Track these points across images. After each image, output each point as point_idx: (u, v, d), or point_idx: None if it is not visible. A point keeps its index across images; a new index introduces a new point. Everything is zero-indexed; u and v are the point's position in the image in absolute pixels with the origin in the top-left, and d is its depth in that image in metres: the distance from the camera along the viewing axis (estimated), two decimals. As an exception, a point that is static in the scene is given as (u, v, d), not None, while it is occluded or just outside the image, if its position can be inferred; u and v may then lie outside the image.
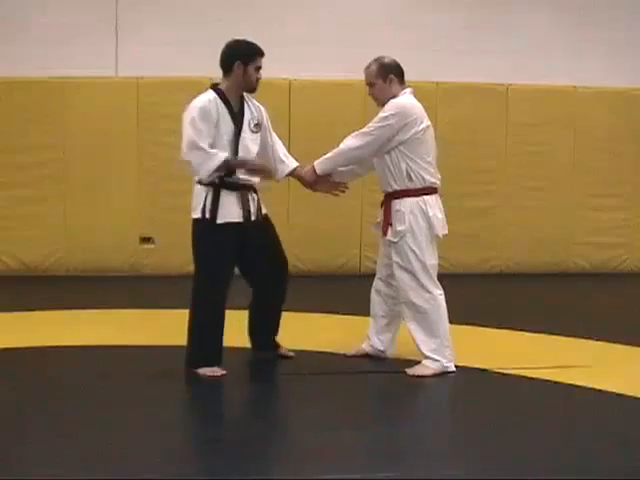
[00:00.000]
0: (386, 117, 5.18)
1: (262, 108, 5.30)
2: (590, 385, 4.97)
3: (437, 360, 5.18)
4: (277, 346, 5.47)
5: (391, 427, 4.42)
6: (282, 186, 8.66)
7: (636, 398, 4.77)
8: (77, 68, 8.42)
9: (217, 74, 8.63)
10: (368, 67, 5.35)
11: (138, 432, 4.16)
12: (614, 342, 6.00)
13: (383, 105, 5.31)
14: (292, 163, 5.38)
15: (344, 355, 5.54)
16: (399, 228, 5.19)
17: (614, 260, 9.37)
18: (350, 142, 5.28)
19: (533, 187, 9.13)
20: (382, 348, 5.48)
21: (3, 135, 8.35)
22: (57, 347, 5.64)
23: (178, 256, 8.44)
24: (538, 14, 9.42)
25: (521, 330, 6.35)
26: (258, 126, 5.20)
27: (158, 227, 8.61)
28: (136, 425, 4.27)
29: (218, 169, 4.94)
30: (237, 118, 5.10)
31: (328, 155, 5.33)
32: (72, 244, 8.51)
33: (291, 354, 5.48)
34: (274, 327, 5.44)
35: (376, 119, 5.23)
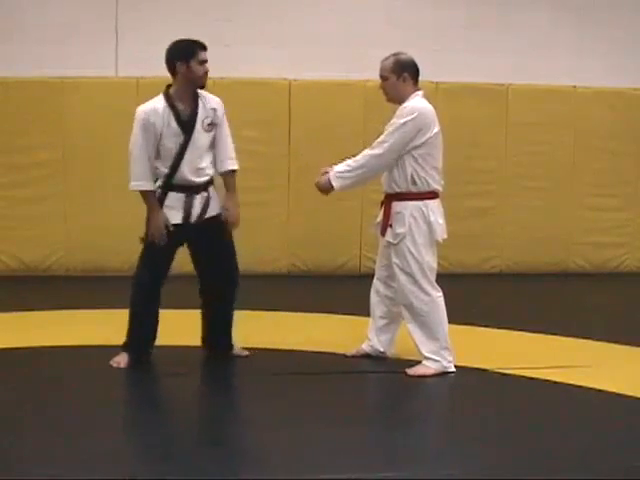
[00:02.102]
0: (403, 123, 5.09)
1: (219, 104, 5.28)
2: (590, 385, 4.97)
3: (437, 361, 5.18)
4: (231, 346, 5.49)
5: (391, 427, 4.42)
6: (282, 186, 8.70)
7: (636, 398, 4.77)
8: (76, 68, 8.40)
9: (217, 74, 8.63)
10: (385, 60, 5.26)
11: (138, 432, 4.16)
12: (614, 342, 6.00)
13: (391, 101, 5.27)
14: (227, 165, 5.30)
15: (344, 355, 5.54)
16: (398, 230, 5.17)
17: (614, 260, 9.36)
18: (369, 152, 5.17)
19: (533, 187, 9.12)
20: (382, 349, 5.48)
21: (2, 135, 8.34)
22: (57, 347, 5.64)
23: (177, 256, 8.43)
24: (538, 13, 9.41)
25: (521, 330, 6.34)
26: (212, 125, 5.20)
27: (158, 227, 8.60)
28: (136, 425, 4.27)
29: (142, 192, 5.20)
30: (187, 122, 5.12)
31: (345, 169, 5.18)
32: (72, 244, 8.50)
33: (245, 353, 5.49)
34: (227, 328, 5.44)
35: (391, 127, 5.13)
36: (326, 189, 5.26)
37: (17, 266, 8.46)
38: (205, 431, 4.29)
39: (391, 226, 5.19)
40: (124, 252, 8.53)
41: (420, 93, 5.26)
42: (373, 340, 5.49)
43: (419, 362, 5.21)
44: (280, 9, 8.98)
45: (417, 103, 5.19)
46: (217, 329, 5.44)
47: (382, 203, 5.34)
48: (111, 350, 5.34)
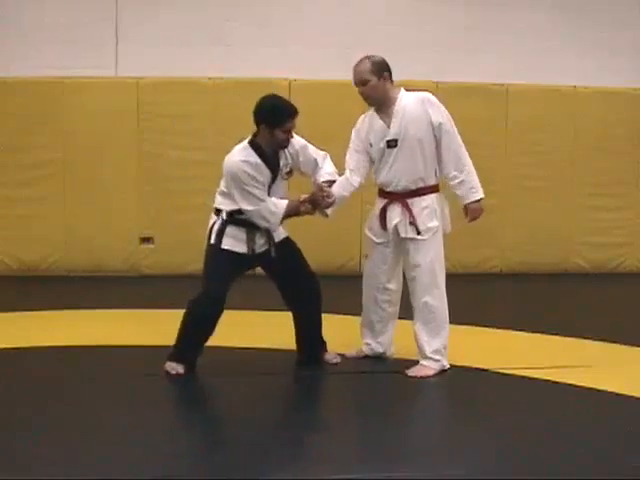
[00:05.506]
0: (453, 125, 5.20)
1: (295, 140, 5.15)
2: (590, 385, 4.96)
3: (438, 360, 5.18)
4: (324, 344, 5.47)
5: (391, 427, 4.41)
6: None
7: (636, 398, 4.77)
8: (77, 68, 8.42)
9: (217, 74, 8.66)
10: (359, 65, 5.21)
11: (138, 432, 4.16)
12: (614, 342, 5.99)
13: (375, 104, 5.24)
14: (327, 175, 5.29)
15: (344, 355, 5.54)
16: (430, 224, 5.13)
17: (614, 260, 9.36)
18: (466, 157, 5.19)
19: (533, 187, 9.13)
20: (382, 350, 5.48)
21: (3, 135, 8.35)
22: (57, 347, 5.64)
23: (178, 256, 8.44)
24: (538, 14, 9.42)
25: (521, 330, 6.34)
26: (290, 173, 5.21)
27: (158, 227, 8.61)
28: (136, 425, 4.27)
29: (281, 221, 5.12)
30: (274, 168, 5.09)
31: (472, 180, 5.16)
32: (72, 244, 8.51)
33: (337, 359, 5.45)
34: (317, 341, 5.43)
35: (454, 134, 5.19)
36: (481, 209, 5.21)
37: (17, 266, 8.46)
38: (205, 431, 4.28)
39: (413, 223, 5.14)
40: (124, 252, 8.57)
41: (403, 89, 5.26)
42: (372, 344, 5.48)
43: (418, 362, 5.21)
44: (280, 9, 8.99)
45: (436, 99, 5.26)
46: (311, 334, 5.41)
47: (385, 205, 5.25)
48: (110, 350, 5.33)
